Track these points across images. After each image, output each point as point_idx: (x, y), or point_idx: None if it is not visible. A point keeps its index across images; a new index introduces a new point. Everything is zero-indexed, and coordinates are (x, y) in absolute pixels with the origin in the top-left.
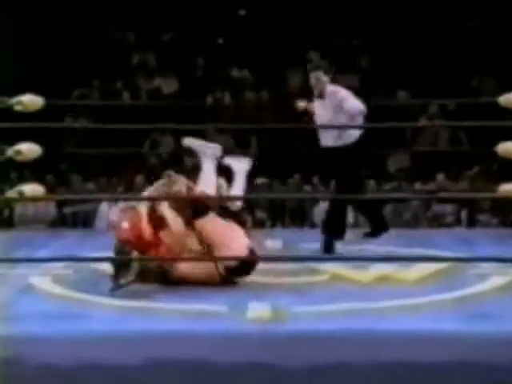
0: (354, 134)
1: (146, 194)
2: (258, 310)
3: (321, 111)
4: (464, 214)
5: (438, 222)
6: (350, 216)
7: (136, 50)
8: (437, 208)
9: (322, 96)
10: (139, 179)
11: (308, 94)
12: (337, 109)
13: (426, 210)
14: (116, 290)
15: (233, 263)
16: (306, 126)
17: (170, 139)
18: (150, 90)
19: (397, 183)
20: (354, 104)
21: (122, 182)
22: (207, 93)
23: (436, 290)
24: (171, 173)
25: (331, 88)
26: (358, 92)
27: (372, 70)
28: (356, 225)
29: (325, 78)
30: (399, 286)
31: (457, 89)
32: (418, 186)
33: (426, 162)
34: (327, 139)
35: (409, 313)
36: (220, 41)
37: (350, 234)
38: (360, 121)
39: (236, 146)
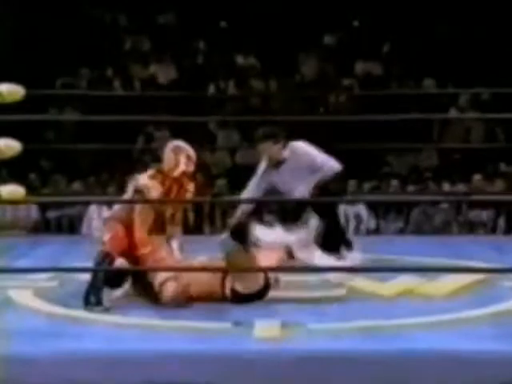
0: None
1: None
2: (266, 327)
3: (291, 178)
4: (501, 220)
5: (471, 228)
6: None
7: (128, 34)
8: (470, 213)
9: (279, 164)
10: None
11: (323, 82)
12: (309, 170)
13: (458, 214)
14: (93, 305)
15: (244, 290)
16: (322, 119)
17: (166, 134)
18: (144, 78)
19: (423, 184)
20: (332, 165)
21: (113, 182)
22: (209, 82)
23: (468, 305)
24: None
25: (293, 149)
26: (380, 80)
27: (395, 55)
28: (377, 230)
29: (277, 147)
30: (425, 300)
31: (492, 77)
32: (446, 187)
33: (455, 160)
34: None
35: (437, 331)
36: (223, 23)
37: None
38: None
39: (242, 141)
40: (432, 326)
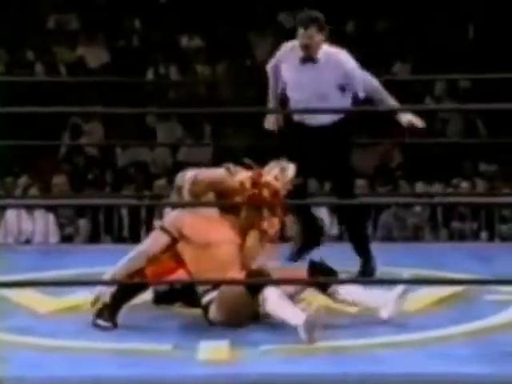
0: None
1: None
2: (212, 349)
3: (309, 80)
4: (481, 224)
5: (448, 233)
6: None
7: (53, 11)
8: (447, 216)
9: (312, 60)
10: (59, 180)
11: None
12: (337, 80)
13: (432, 218)
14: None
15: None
16: (278, 110)
17: (98, 127)
18: (71, 62)
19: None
20: (371, 84)
21: (36, 184)
22: (146, 66)
23: (442, 322)
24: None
25: (332, 51)
26: None
27: (359, 36)
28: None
29: (319, 37)
30: (396, 316)
31: (472, 64)
32: (419, 187)
33: (431, 156)
34: (321, 116)
35: (406, 352)
36: None
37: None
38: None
39: (185, 136)
40: (401, 346)
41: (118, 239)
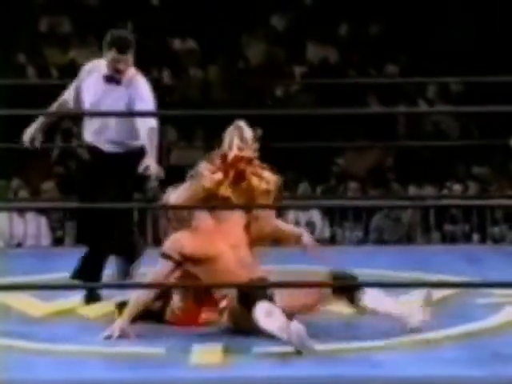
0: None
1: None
2: (205, 352)
3: (112, 101)
4: (473, 227)
5: (440, 236)
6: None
7: (45, 13)
8: (439, 219)
9: (116, 81)
10: (48, 186)
11: (272, 69)
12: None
13: (424, 220)
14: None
15: None
16: (270, 112)
17: None
18: (64, 65)
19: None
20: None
21: (26, 188)
22: (139, 69)
23: (435, 325)
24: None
25: (133, 72)
26: (336, 67)
27: (353, 38)
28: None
29: (131, 61)
30: (387, 319)
31: (464, 67)
32: (412, 190)
33: (423, 159)
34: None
35: (399, 354)
36: (155, 1)
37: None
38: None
39: (178, 139)
40: (393, 349)
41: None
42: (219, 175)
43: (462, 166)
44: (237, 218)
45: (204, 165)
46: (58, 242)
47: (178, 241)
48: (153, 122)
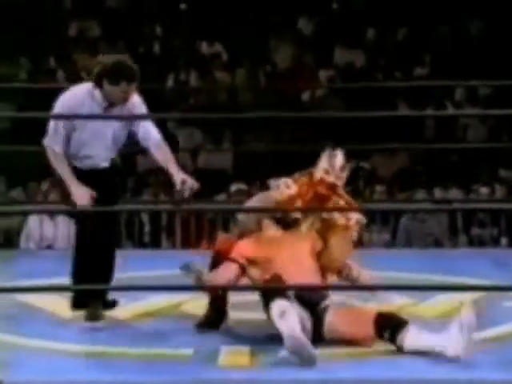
0: None
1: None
2: (232, 354)
3: (111, 125)
4: (501, 230)
5: (467, 239)
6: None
7: (74, 19)
8: (466, 223)
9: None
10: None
11: (299, 71)
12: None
13: (452, 224)
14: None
15: None
16: (296, 115)
17: None
18: (93, 68)
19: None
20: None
21: (56, 190)
22: (167, 72)
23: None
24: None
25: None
26: (363, 71)
27: (380, 42)
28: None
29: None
30: (415, 322)
31: (491, 70)
32: (438, 193)
33: (450, 163)
34: (106, 158)
35: (425, 357)
36: (183, 5)
37: None
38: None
39: (205, 141)
40: (419, 352)
41: (139, 244)
42: (292, 191)
43: (488, 169)
44: (306, 239)
45: (285, 179)
46: None
47: (243, 246)
48: (158, 135)
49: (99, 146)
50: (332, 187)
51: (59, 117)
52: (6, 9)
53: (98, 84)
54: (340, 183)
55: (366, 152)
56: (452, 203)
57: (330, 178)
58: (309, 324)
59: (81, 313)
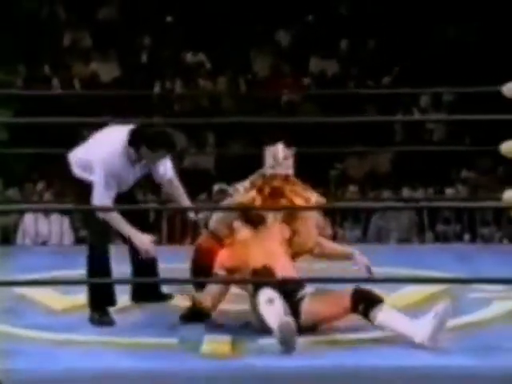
0: None
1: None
2: (215, 343)
3: (130, 174)
4: (464, 227)
5: (432, 236)
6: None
7: (68, 29)
8: (432, 220)
9: None
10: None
11: (277, 79)
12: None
13: (418, 222)
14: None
15: None
16: (274, 120)
17: None
18: (85, 76)
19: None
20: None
21: (51, 189)
22: (155, 80)
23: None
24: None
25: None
26: (338, 79)
27: (352, 52)
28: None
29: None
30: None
31: (454, 78)
32: (405, 193)
33: (416, 164)
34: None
35: (397, 345)
36: (169, 18)
37: None
38: None
39: (189, 144)
40: (391, 340)
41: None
42: (253, 192)
43: (453, 170)
44: (274, 232)
45: (241, 183)
46: (79, 240)
47: (222, 257)
48: (171, 172)
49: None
50: (284, 178)
51: None
52: (5, 20)
53: (134, 145)
54: (290, 171)
55: (340, 154)
56: (419, 202)
57: (280, 170)
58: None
59: (73, 305)
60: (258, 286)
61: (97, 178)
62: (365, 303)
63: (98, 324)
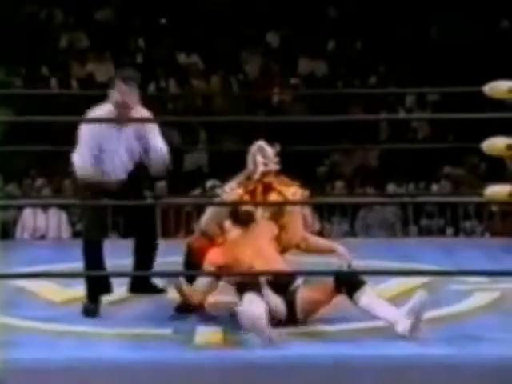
0: None
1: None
2: (207, 334)
3: (119, 141)
4: (447, 221)
5: (417, 229)
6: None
7: (65, 31)
8: (416, 214)
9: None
10: (69, 183)
11: (268, 80)
12: (138, 141)
13: (402, 216)
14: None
15: None
16: (265, 119)
17: None
18: (82, 76)
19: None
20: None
21: (49, 185)
22: (149, 80)
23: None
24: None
25: (144, 111)
26: (326, 79)
27: (340, 53)
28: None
29: (136, 97)
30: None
31: (440, 78)
32: (391, 188)
33: (401, 161)
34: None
35: (378, 336)
36: (163, 20)
37: None
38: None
39: (183, 142)
40: (375, 331)
41: (124, 235)
42: (240, 191)
43: (437, 167)
44: (264, 230)
45: (229, 183)
46: (77, 234)
47: (213, 255)
48: (166, 155)
49: (117, 161)
50: (275, 174)
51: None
52: (5, 23)
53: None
54: (277, 167)
55: (328, 152)
56: (403, 197)
57: (270, 167)
58: (283, 307)
59: (71, 297)
60: (243, 291)
61: (80, 135)
62: (347, 285)
63: (84, 312)
